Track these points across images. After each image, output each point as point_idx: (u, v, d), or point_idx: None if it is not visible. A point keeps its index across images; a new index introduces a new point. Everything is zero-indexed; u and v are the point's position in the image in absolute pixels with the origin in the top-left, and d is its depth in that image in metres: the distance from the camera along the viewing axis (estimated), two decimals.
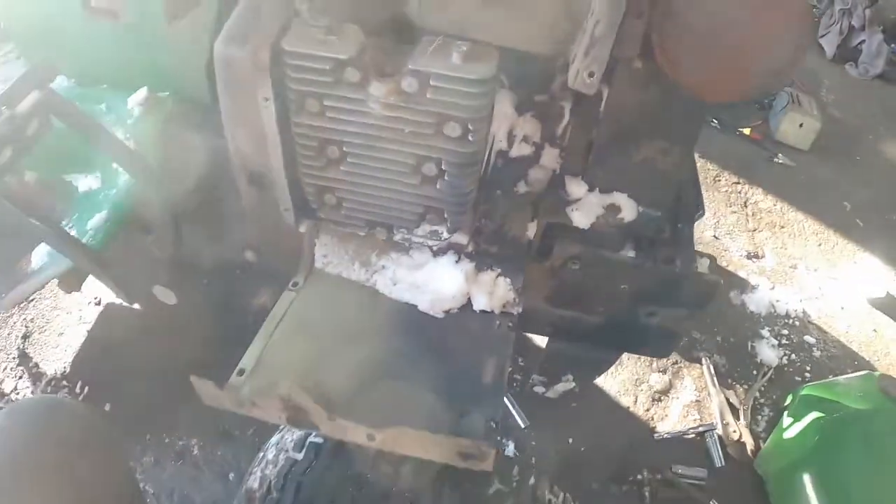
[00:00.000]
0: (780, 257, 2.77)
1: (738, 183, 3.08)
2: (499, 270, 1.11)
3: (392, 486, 0.97)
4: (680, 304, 1.20)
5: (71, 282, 1.42)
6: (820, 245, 2.88)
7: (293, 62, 0.90)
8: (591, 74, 0.89)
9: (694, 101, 1.06)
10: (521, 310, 1.08)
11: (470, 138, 0.93)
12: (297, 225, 1.16)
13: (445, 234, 1.05)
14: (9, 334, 2.22)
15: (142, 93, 1.20)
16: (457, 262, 1.10)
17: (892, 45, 4.32)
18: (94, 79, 1.29)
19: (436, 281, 1.08)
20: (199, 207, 1.39)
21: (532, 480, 1.02)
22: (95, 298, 2.30)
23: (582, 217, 1.13)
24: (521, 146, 1.20)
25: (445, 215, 1.03)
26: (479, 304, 1.07)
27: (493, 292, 1.08)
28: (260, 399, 0.90)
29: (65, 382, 2.09)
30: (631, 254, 1.20)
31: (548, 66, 1.12)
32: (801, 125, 3.34)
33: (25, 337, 2.22)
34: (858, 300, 2.65)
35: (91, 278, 2.26)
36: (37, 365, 2.15)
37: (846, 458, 1.83)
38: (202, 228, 1.37)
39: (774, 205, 3.02)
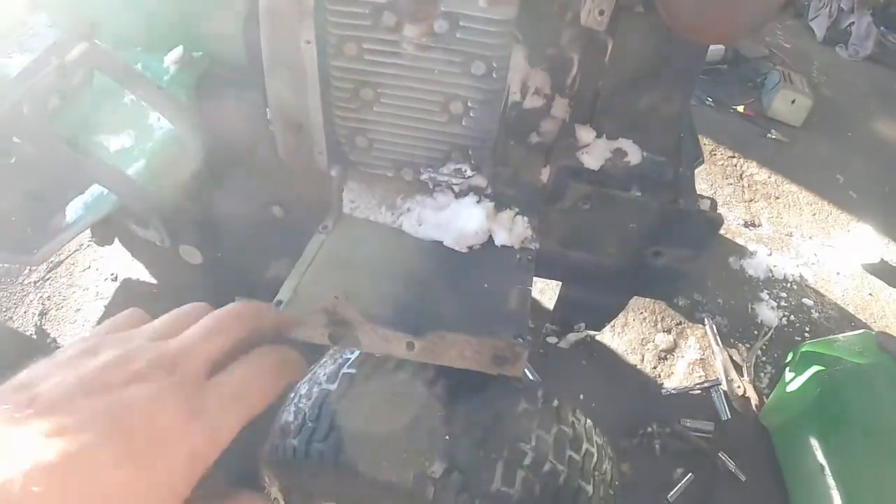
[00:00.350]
0: (776, 226, 2.86)
1: (734, 157, 3.17)
2: (517, 210, 1.19)
3: (425, 406, 1.03)
4: (684, 242, 1.28)
5: (105, 233, 1.48)
6: (814, 215, 2.97)
7: (334, 7, 0.98)
8: (601, 13, 0.97)
9: (691, 48, 1.15)
10: (538, 245, 1.16)
11: (494, 76, 1.00)
12: (330, 168, 1.23)
13: (469, 172, 1.13)
14: (25, 312, 2.29)
15: (177, 51, 1.26)
16: (478, 201, 1.18)
17: (881, 28, 4.43)
18: (128, 41, 1.35)
19: (459, 219, 1.16)
20: (229, 163, 1.44)
21: (556, 402, 1.09)
22: (112, 274, 2.37)
23: (592, 160, 1.20)
24: (533, 98, 1.28)
25: (470, 152, 1.11)
26: (500, 239, 1.15)
27: (511, 229, 1.16)
28: (303, 315, 0.94)
29: None
30: (638, 194, 1.28)
31: (557, 22, 1.20)
32: (793, 102, 3.43)
33: (42, 314, 2.28)
34: (853, 266, 2.74)
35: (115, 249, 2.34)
36: (55, 340, 2.21)
37: (846, 410, 1.92)
38: (233, 184, 1.43)
39: (769, 177, 3.11)
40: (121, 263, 2.37)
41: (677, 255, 1.32)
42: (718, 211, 1.29)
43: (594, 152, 1.21)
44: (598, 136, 1.24)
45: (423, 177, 1.16)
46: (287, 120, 1.17)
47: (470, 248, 1.15)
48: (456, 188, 1.21)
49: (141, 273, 2.35)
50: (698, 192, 1.32)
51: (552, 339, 1.72)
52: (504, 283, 1.08)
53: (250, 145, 1.29)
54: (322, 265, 1.14)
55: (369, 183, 1.26)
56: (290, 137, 1.20)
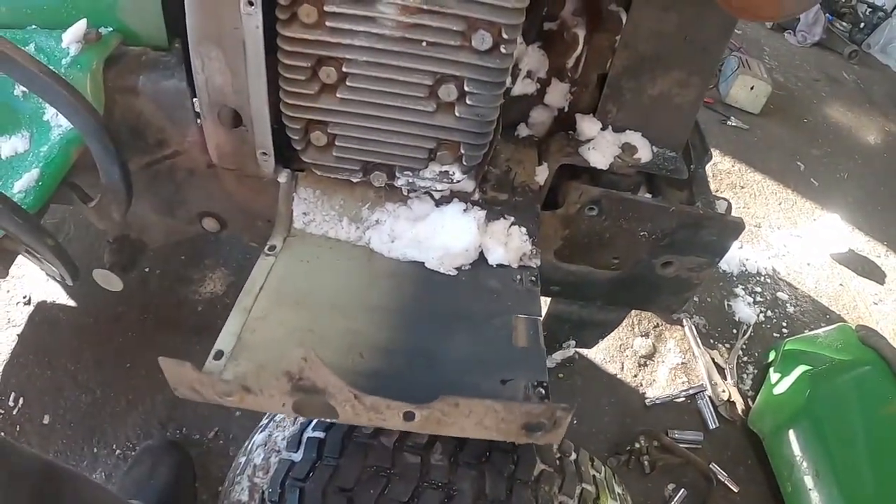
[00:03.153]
0: (744, 216, 2.75)
1: None
2: (511, 219, 0.98)
3: (422, 479, 0.81)
4: (700, 249, 1.11)
5: None
6: (780, 204, 2.89)
7: None
8: None
9: (715, 26, 0.96)
10: (540, 262, 0.96)
11: (502, 50, 0.78)
12: (276, 173, 0.98)
13: (458, 176, 0.91)
14: None
15: (80, 27, 0.98)
16: (465, 210, 0.97)
17: (828, 15, 4.44)
18: (21, 18, 1.06)
19: (443, 233, 0.94)
20: (147, 167, 1.17)
21: (573, 456, 0.89)
22: (24, 297, 2.05)
23: (600, 157, 1.01)
24: (524, 83, 1.07)
25: (461, 151, 0.89)
26: (495, 257, 0.94)
27: (507, 243, 0.95)
28: (256, 381, 0.71)
29: None
30: (647, 196, 1.10)
31: None
32: (752, 88, 3.36)
33: None
34: (822, 256, 2.67)
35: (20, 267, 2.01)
36: None
37: (837, 411, 1.82)
38: (152, 193, 1.16)
39: (732, 166, 3.02)
40: (34, 284, 2.05)
41: (690, 263, 1.14)
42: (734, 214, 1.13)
43: (601, 147, 1.02)
44: (604, 128, 1.05)
45: (399, 182, 0.94)
46: (220, 112, 0.91)
47: (458, 268, 0.94)
48: (437, 195, 0.99)
49: (57, 294, 2.04)
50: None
51: None
52: (507, 313, 0.88)
53: (173, 144, 1.03)
54: (271, 299, 0.90)
55: (327, 190, 1.02)
56: (223, 134, 0.94)
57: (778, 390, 1.93)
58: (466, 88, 0.81)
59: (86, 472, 1.74)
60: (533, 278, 0.93)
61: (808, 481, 1.72)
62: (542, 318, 0.87)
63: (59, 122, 1.04)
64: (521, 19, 0.76)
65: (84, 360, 1.87)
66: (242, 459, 1.07)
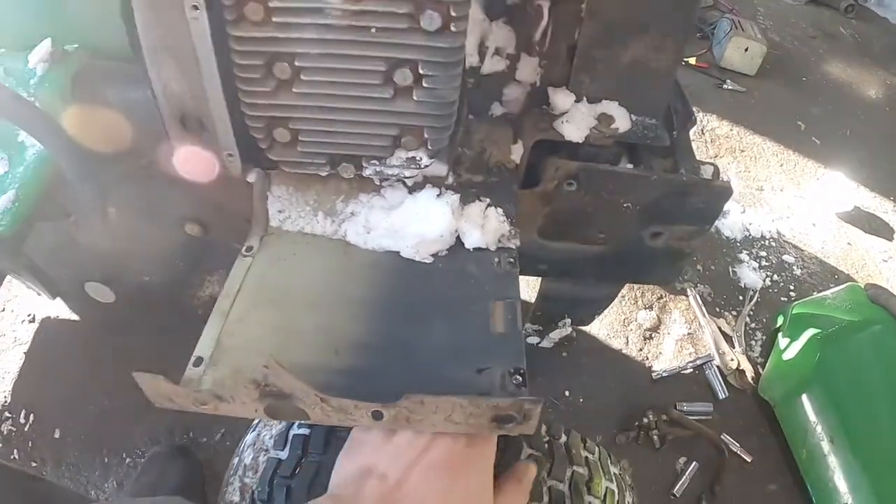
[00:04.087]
0: (746, 181, 2.72)
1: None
2: (488, 200, 0.95)
3: None
4: (688, 218, 1.07)
5: None
6: (782, 165, 2.84)
7: None
8: None
9: None
10: (519, 242, 0.93)
11: (452, 28, 0.75)
12: (245, 174, 0.96)
13: (425, 161, 0.88)
14: None
15: (44, 46, 0.97)
16: (439, 195, 0.94)
17: None
18: None
19: (417, 220, 0.91)
20: (125, 178, 1.17)
21: (563, 438, 0.87)
22: (29, 316, 2.06)
23: (575, 130, 0.98)
24: (493, 60, 1.04)
25: (425, 135, 0.86)
26: (472, 240, 0.91)
27: (484, 226, 0.92)
28: (227, 390, 0.70)
29: (7, 413, 1.85)
30: (629, 167, 1.06)
31: None
32: (746, 49, 3.28)
33: None
34: (828, 216, 2.62)
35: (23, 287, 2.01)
36: None
37: (849, 373, 1.78)
38: (133, 204, 1.15)
39: (731, 130, 2.96)
40: (38, 302, 2.06)
41: (680, 232, 1.11)
42: (723, 178, 1.09)
43: (575, 120, 0.98)
44: (578, 100, 1.01)
45: (367, 172, 0.91)
46: (182, 118, 0.89)
47: (435, 255, 0.91)
48: (409, 181, 0.96)
49: (60, 310, 2.05)
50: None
51: (533, 340, 1.51)
52: (486, 299, 0.85)
53: (146, 153, 1.01)
54: (249, 300, 0.89)
55: (300, 186, 1.00)
56: (188, 140, 0.92)
57: (788, 356, 1.89)
58: (421, 71, 0.78)
59: (97, 483, 1.76)
60: (511, 260, 0.90)
61: (824, 447, 1.69)
62: (520, 301, 0.84)
63: (33, 142, 1.03)
64: None
65: (90, 372, 1.88)
66: (235, 460, 1.06)
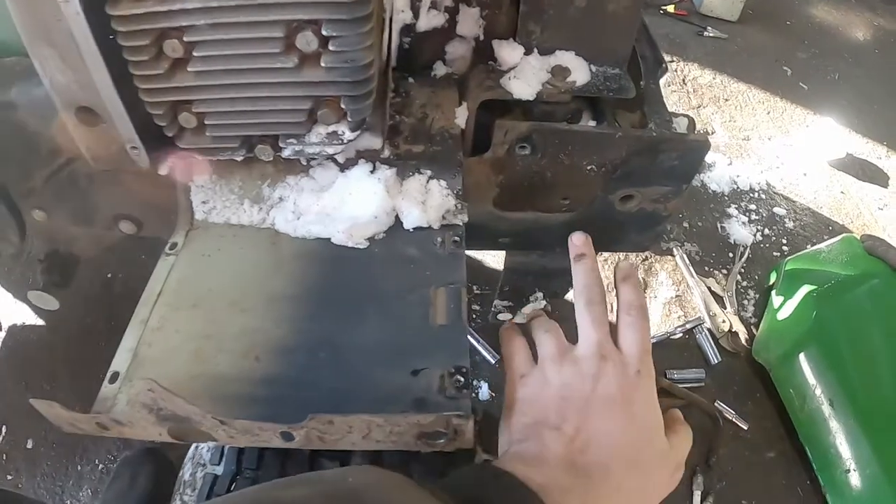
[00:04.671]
0: (731, 131, 2.60)
1: (672, 61, 2.88)
2: (429, 173, 0.84)
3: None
4: (662, 177, 0.96)
5: None
6: (769, 113, 2.72)
7: None
8: None
9: None
10: (466, 218, 0.82)
11: None
12: (155, 166, 0.86)
13: (349, 135, 0.77)
14: None
15: None
16: (372, 171, 0.83)
17: None
18: None
19: (350, 201, 0.80)
20: (50, 179, 1.09)
21: None
22: None
23: (524, 86, 0.86)
24: (430, 16, 0.92)
25: (342, 105, 0.74)
26: (412, 219, 0.80)
27: (426, 202, 0.81)
28: (125, 415, 0.63)
29: None
30: (591, 124, 0.95)
31: None
32: None
33: None
34: (819, 164, 2.51)
35: None
36: None
37: (848, 329, 1.69)
38: (62, 204, 1.06)
39: (714, 78, 2.84)
40: (3, 309, 1.97)
41: (653, 194, 1.00)
42: (702, 130, 0.97)
43: (525, 75, 0.87)
44: (528, 52, 0.89)
45: (286, 152, 0.79)
46: (76, 112, 0.79)
47: (371, 239, 0.81)
48: (340, 158, 0.85)
49: (27, 317, 1.96)
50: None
51: (505, 317, 1.42)
52: (425, 286, 0.75)
53: (65, 152, 0.91)
54: (170, 303, 0.80)
55: (223, 173, 0.89)
56: (88, 134, 0.81)
57: (782, 315, 1.80)
58: (325, 32, 0.66)
59: (72, 493, 1.70)
60: (457, 238, 0.79)
61: (823, 410, 1.60)
62: (465, 286, 0.73)
63: None
64: None
65: (59, 377, 1.83)
66: (180, 474, 0.99)
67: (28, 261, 1.35)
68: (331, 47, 0.67)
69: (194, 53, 0.71)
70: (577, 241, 0.87)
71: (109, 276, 2.08)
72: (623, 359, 0.71)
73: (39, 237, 1.34)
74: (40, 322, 1.96)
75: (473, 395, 1.69)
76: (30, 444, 1.74)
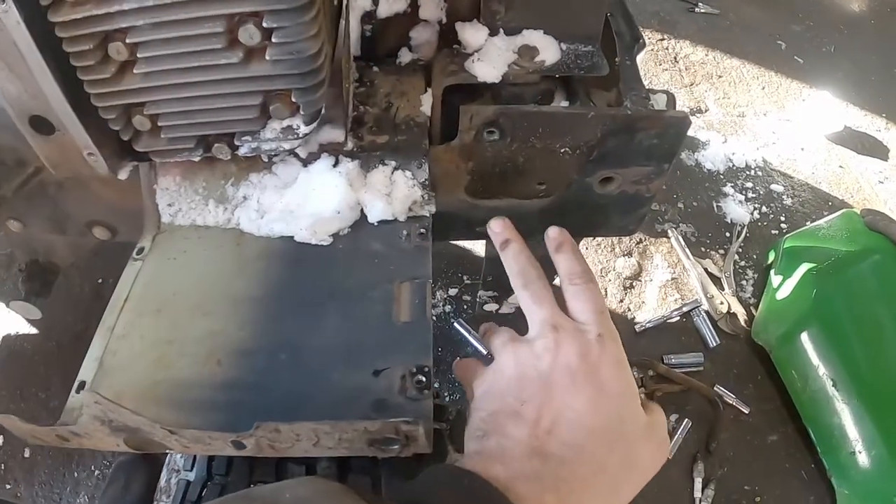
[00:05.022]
0: (725, 108, 2.55)
1: (663, 39, 2.82)
2: (394, 163, 0.81)
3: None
4: (642, 157, 0.92)
5: None
6: (763, 88, 2.66)
7: None
8: None
9: None
10: (434, 209, 0.79)
11: None
12: (115, 172, 0.84)
13: (304, 129, 0.74)
14: None
15: None
16: (334, 165, 0.80)
17: None
18: None
19: (313, 197, 0.78)
20: (20, 189, 1.07)
21: None
22: None
23: (489, 69, 0.83)
24: (391, 1, 0.89)
25: (294, 98, 0.71)
26: (376, 213, 0.77)
27: (391, 193, 0.78)
28: (80, 426, 0.62)
29: None
30: (564, 104, 0.92)
31: None
32: None
33: None
34: (817, 138, 2.46)
35: None
36: None
37: (849, 306, 1.65)
38: (35, 214, 1.05)
39: (706, 55, 2.78)
40: None
41: (634, 175, 0.96)
42: (680, 108, 0.94)
43: (489, 57, 0.83)
44: (493, 33, 0.86)
45: (243, 150, 0.77)
46: (30, 121, 0.77)
47: (335, 235, 0.78)
48: (303, 153, 0.82)
49: (19, 325, 1.94)
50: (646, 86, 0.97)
51: (491, 307, 1.39)
52: (389, 281, 0.72)
53: (32, 161, 0.90)
54: (136, 309, 0.79)
55: (187, 174, 0.87)
56: (44, 143, 0.80)
57: (781, 294, 1.76)
58: (266, 24, 0.63)
59: (69, 500, 1.70)
60: (423, 230, 0.76)
61: (826, 391, 1.56)
62: (430, 280, 0.70)
63: None
64: None
65: (53, 385, 1.81)
66: (159, 482, 0.97)
67: (8, 271, 1.34)
68: (274, 39, 0.65)
69: (139, 55, 0.70)
70: (497, 227, 0.79)
71: (100, 281, 2.07)
72: (578, 326, 0.64)
73: (18, 247, 1.33)
74: (33, 330, 1.94)
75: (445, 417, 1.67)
76: (27, 454, 1.74)
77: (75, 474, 1.71)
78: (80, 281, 2.01)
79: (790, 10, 3.13)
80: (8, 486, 1.70)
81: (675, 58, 2.74)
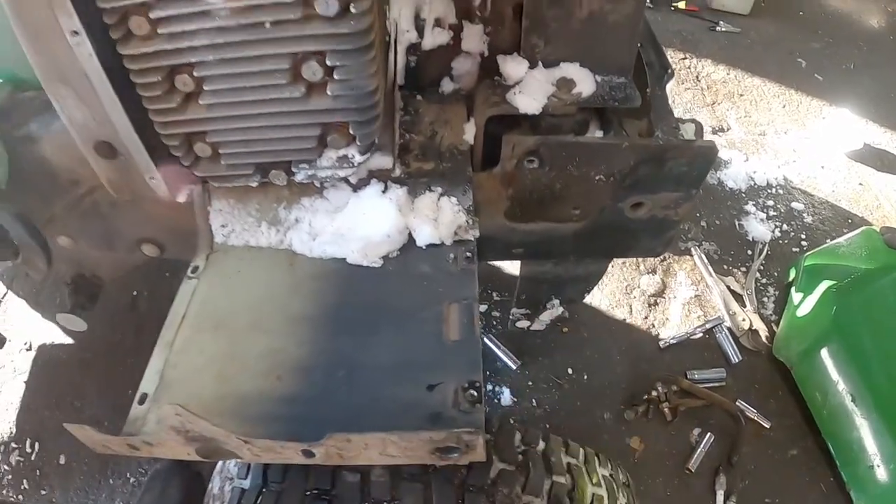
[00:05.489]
0: (747, 126, 2.58)
1: (686, 58, 2.86)
2: (440, 189, 0.86)
3: (363, 498, 0.73)
4: (671, 184, 0.97)
5: None
6: (784, 107, 2.69)
7: None
8: None
9: None
10: (478, 233, 0.84)
11: (353, 10, 0.65)
12: (174, 194, 0.89)
13: (358, 158, 0.79)
14: None
15: None
16: (384, 191, 0.85)
17: None
18: None
19: (363, 221, 0.83)
20: (73, 207, 1.13)
21: (541, 445, 0.79)
22: (26, 344, 2.03)
23: (529, 100, 0.88)
24: (435, 34, 0.94)
25: (351, 130, 0.76)
26: (424, 237, 0.82)
27: (437, 218, 0.83)
28: (154, 436, 0.66)
29: (14, 444, 1.82)
30: (599, 134, 0.96)
31: None
32: None
33: None
34: (837, 156, 2.48)
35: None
36: None
37: (867, 325, 1.67)
38: (85, 231, 1.10)
39: (728, 74, 2.82)
40: (34, 328, 2.03)
41: (663, 201, 1.00)
42: (707, 138, 0.98)
43: (530, 89, 0.88)
44: (532, 66, 0.91)
45: (299, 177, 0.82)
46: (95, 146, 0.83)
47: (385, 258, 0.83)
48: (353, 178, 0.87)
49: (55, 335, 2.01)
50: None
51: (523, 324, 1.42)
52: (439, 302, 0.77)
53: (86, 181, 0.95)
54: (194, 326, 0.83)
55: (241, 197, 0.92)
56: (107, 167, 0.85)
57: (802, 311, 1.79)
58: (329, 62, 0.69)
59: None
60: (469, 254, 0.81)
61: (846, 406, 1.59)
62: (477, 301, 0.75)
63: None
64: None
65: (88, 394, 1.86)
66: (209, 487, 1.02)
67: (55, 284, 1.39)
68: (336, 76, 0.70)
69: (205, 87, 0.75)
70: None
71: (135, 294, 2.12)
72: None
73: (65, 262, 1.39)
74: (69, 340, 2.00)
75: (496, 400, 1.71)
76: (62, 460, 1.78)
77: (110, 481, 1.76)
78: (115, 293, 2.06)
79: (810, 28, 3.16)
80: (43, 492, 1.75)
81: (698, 76, 2.78)
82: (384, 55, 0.80)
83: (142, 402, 0.77)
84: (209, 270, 0.91)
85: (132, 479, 1.77)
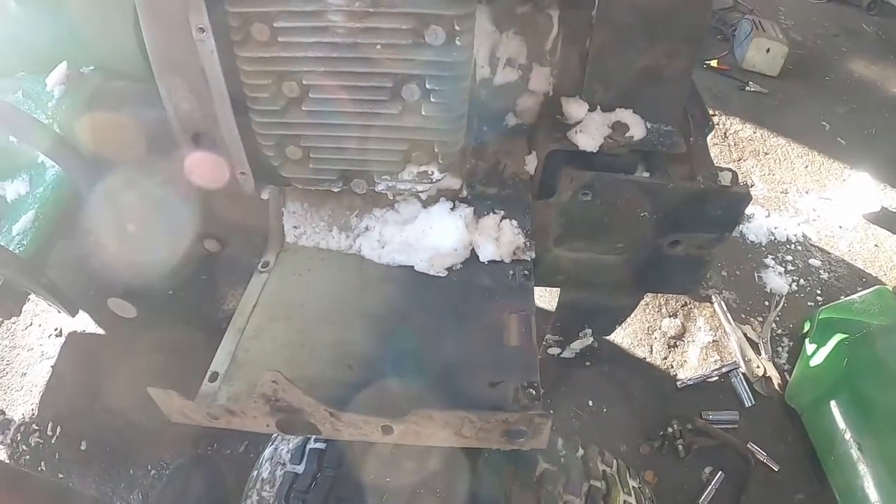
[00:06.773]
0: (770, 184, 2.67)
1: (714, 115, 2.96)
2: (502, 213, 0.95)
3: (418, 486, 0.80)
4: (707, 225, 1.05)
5: (6, 305, 1.21)
6: (807, 167, 2.79)
7: None
8: None
9: None
10: (534, 254, 0.92)
11: (458, 42, 0.75)
12: (258, 191, 0.98)
13: (437, 175, 0.88)
14: None
15: (61, 69, 1.00)
16: (452, 208, 0.94)
17: None
18: (7, 68, 1.08)
19: (431, 234, 0.92)
20: (143, 197, 1.20)
21: (580, 451, 0.86)
22: (56, 330, 2.09)
23: (588, 139, 0.97)
24: (506, 71, 1.04)
25: (436, 149, 0.86)
26: (487, 253, 0.91)
27: (499, 238, 0.92)
28: (239, 405, 0.72)
29: (35, 426, 1.88)
30: (646, 175, 1.05)
31: None
32: (767, 50, 3.24)
33: None
34: (855, 217, 2.56)
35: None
36: (2, 412, 1.93)
37: (877, 379, 1.73)
38: (151, 221, 1.17)
39: (754, 132, 2.92)
40: (64, 316, 2.09)
41: (699, 240, 1.09)
42: (742, 183, 1.07)
43: (589, 129, 0.97)
44: (591, 109, 1.00)
45: (380, 187, 0.91)
46: (193, 137, 0.91)
47: (449, 269, 0.91)
48: (423, 195, 0.96)
49: (86, 325, 2.07)
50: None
51: (554, 351, 1.50)
52: (499, 312, 0.85)
53: (160, 171, 1.03)
54: (265, 315, 0.91)
55: (314, 201, 1.01)
56: (197, 157, 0.94)
57: (815, 362, 1.86)
58: (428, 86, 0.78)
59: (122, 495, 1.78)
60: (526, 272, 0.89)
61: (853, 454, 1.64)
62: (534, 314, 0.83)
63: (52, 164, 1.06)
64: (473, 8, 0.73)
65: (116, 385, 1.89)
66: (254, 473, 1.08)
67: (110, 270, 1.45)
68: (433, 99, 0.79)
69: (310, 95, 0.83)
70: None
71: (171, 293, 2.18)
72: None
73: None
74: (99, 331, 2.05)
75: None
76: (83, 447, 1.83)
77: (130, 472, 1.80)
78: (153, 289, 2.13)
79: (836, 92, 3.27)
80: (60, 476, 1.79)
81: (725, 133, 2.88)
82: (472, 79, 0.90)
83: (212, 380, 0.83)
84: (280, 266, 0.99)
85: (153, 472, 1.81)
